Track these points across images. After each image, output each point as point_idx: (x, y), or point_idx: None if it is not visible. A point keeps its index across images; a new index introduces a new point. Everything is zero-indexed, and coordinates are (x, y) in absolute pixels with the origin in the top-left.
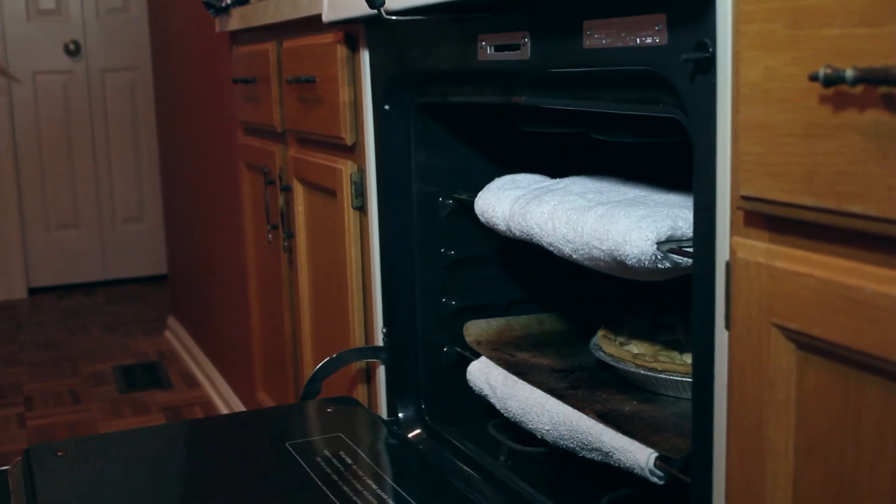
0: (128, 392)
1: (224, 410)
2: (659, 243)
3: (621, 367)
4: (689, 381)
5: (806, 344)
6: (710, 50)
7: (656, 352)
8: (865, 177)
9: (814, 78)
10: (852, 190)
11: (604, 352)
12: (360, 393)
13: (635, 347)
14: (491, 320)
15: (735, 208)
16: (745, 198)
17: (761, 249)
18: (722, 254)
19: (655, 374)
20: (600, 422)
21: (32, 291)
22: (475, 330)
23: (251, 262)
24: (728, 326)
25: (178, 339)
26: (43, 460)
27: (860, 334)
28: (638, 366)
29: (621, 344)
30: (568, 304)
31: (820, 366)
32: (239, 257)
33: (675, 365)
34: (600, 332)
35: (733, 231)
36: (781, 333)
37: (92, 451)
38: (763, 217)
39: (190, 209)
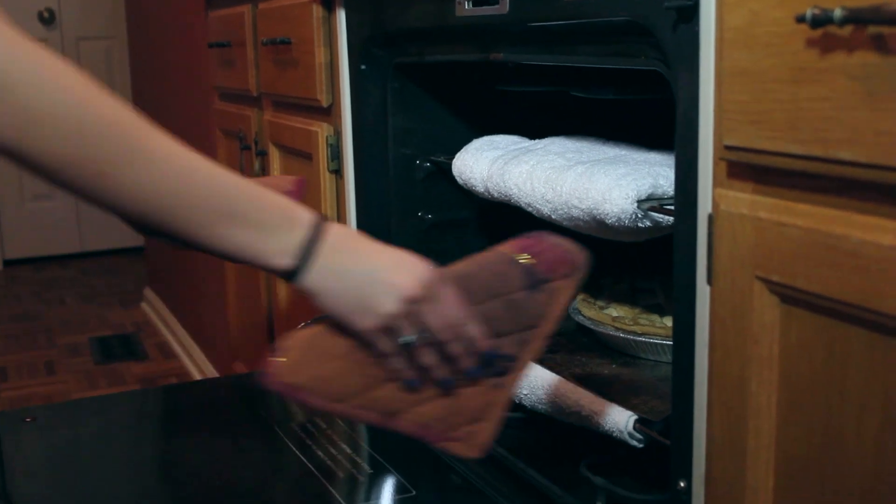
0: (103, 363)
1: None
2: (639, 201)
3: (601, 330)
4: (668, 344)
5: (790, 297)
6: None
7: (636, 315)
8: (853, 122)
9: (801, 19)
10: (840, 136)
11: (583, 315)
12: None
13: (615, 311)
14: None
15: (718, 159)
16: (728, 148)
17: (745, 201)
18: (704, 207)
19: (635, 338)
20: (578, 385)
21: (8, 263)
22: None
23: None
24: (710, 281)
25: (155, 311)
26: (11, 426)
27: (845, 285)
28: (617, 329)
29: (601, 308)
30: None
31: (804, 319)
32: None
33: (655, 328)
34: (579, 296)
35: (716, 183)
36: (765, 286)
37: (62, 418)
38: (747, 167)
39: None
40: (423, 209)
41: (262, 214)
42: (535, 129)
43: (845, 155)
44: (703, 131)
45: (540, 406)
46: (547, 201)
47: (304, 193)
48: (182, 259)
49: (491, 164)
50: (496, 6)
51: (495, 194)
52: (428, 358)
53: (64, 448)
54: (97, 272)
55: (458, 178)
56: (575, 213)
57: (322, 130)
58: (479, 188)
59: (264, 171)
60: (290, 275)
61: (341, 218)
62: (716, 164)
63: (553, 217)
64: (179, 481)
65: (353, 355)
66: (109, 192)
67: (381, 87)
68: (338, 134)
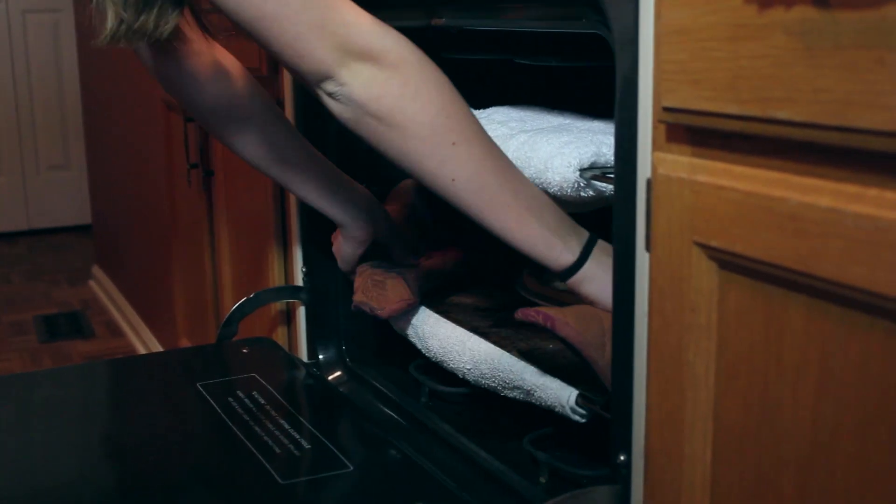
0: (49, 342)
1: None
2: (582, 170)
3: (543, 305)
4: None
5: (728, 262)
6: None
7: None
8: (791, 79)
9: None
10: (778, 94)
11: (528, 289)
12: (280, 336)
13: (561, 284)
14: None
15: (657, 122)
16: (666, 109)
17: (683, 164)
18: (643, 172)
19: None
20: (522, 359)
21: None
22: None
23: (172, 205)
24: (648, 248)
25: (103, 289)
26: None
27: (784, 249)
28: (562, 303)
29: (546, 281)
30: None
31: (742, 286)
32: (161, 202)
33: None
34: (526, 270)
35: (655, 147)
36: (703, 252)
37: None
38: (685, 130)
39: (113, 155)
40: (367, 181)
41: (560, 222)
42: (479, 98)
43: (783, 114)
44: (643, 94)
45: (484, 381)
46: None
47: None
48: (130, 237)
49: None
50: None
51: None
52: None
53: (2, 422)
54: (44, 249)
55: None
56: None
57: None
58: None
59: (207, 145)
60: (568, 269)
61: (285, 191)
62: (655, 127)
63: None
64: (116, 456)
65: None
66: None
67: None
68: (280, 103)
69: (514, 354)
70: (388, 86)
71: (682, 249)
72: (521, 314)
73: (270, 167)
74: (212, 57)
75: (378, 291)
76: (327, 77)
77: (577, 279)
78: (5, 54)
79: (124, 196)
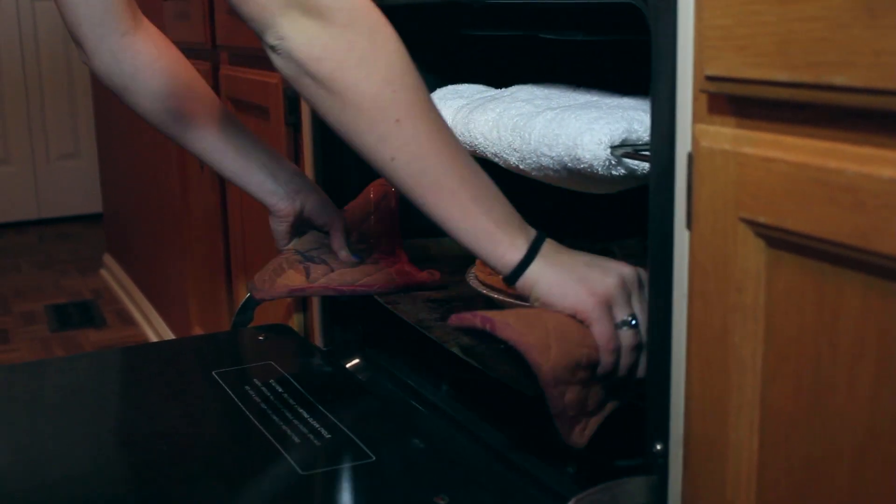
0: (60, 331)
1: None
2: (613, 147)
3: (494, 296)
4: None
5: (777, 239)
6: None
7: None
8: (849, 42)
9: None
10: (834, 59)
11: (478, 280)
12: (296, 323)
13: None
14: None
15: (698, 93)
16: (709, 78)
17: (727, 135)
18: (683, 145)
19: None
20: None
21: None
22: None
23: (184, 192)
24: (689, 226)
25: (115, 278)
26: None
27: (840, 224)
28: (511, 296)
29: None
30: None
31: (792, 264)
32: (173, 190)
33: None
34: (478, 260)
35: (696, 119)
36: (750, 229)
37: (7, 381)
38: (730, 99)
39: (124, 143)
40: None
41: (508, 217)
42: (501, 76)
43: (839, 80)
44: (682, 64)
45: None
46: (514, 150)
47: None
48: (142, 225)
49: (455, 113)
50: None
51: None
52: (630, 341)
53: (8, 412)
54: (55, 239)
55: None
56: (544, 161)
57: (279, 82)
58: None
59: None
60: (514, 269)
61: None
62: (696, 98)
63: (521, 167)
64: (130, 445)
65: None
66: (378, 158)
67: None
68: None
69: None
70: (332, 48)
71: (726, 226)
72: (456, 319)
73: (169, 124)
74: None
75: (272, 274)
76: (269, 27)
77: (524, 281)
78: (15, 43)
79: (135, 184)
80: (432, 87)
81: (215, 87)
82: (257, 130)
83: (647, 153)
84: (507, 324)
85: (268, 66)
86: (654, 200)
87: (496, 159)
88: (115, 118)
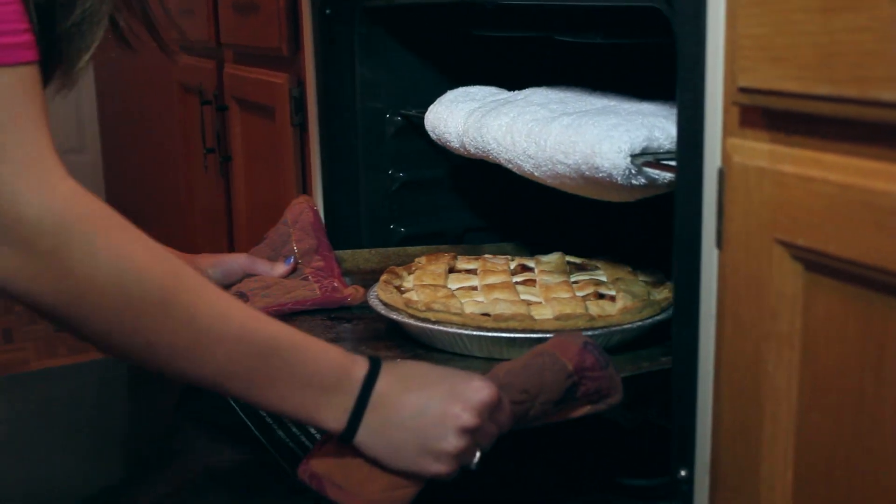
0: (64, 330)
1: None
2: (633, 155)
3: (391, 316)
4: (465, 335)
5: (816, 264)
6: None
7: (438, 299)
8: None
9: None
10: (882, 73)
11: (378, 299)
12: None
13: (416, 294)
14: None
15: (729, 104)
16: (743, 90)
17: (762, 152)
18: (712, 160)
19: (424, 325)
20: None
21: None
22: None
23: (189, 190)
24: (720, 245)
25: None
26: None
27: (886, 250)
28: (410, 315)
29: (405, 289)
30: (530, 232)
31: (833, 290)
32: (177, 186)
33: (450, 315)
34: (385, 275)
35: (727, 132)
36: (787, 252)
37: (9, 390)
38: (764, 113)
39: (129, 138)
40: (393, 167)
41: (316, 377)
42: (515, 78)
43: (887, 95)
44: (712, 72)
45: None
46: (529, 157)
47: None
48: (146, 221)
49: (467, 116)
50: None
51: (472, 150)
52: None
53: (13, 422)
54: None
55: (430, 133)
56: (560, 169)
57: (285, 82)
58: (455, 143)
59: (224, 128)
60: (343, 437)
61: (307, 177)
62: (726, 109)
63: (536, 174)
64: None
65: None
66: (159, 361)
67: (347, 33)
68: (301, 85)
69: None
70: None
71: (761, 248)
72: (301, 472)
73: None
74: None
75: None
76: None
77: (361, 449)
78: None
79: (139, 180)
80: (443, 88)
81: (219, 86)
82: (262, 130)
83: (669, 163)
84: (334, 485)
85: (273, 65)
86: (681, 216)
87: (510, 165)
88: (119, 113)
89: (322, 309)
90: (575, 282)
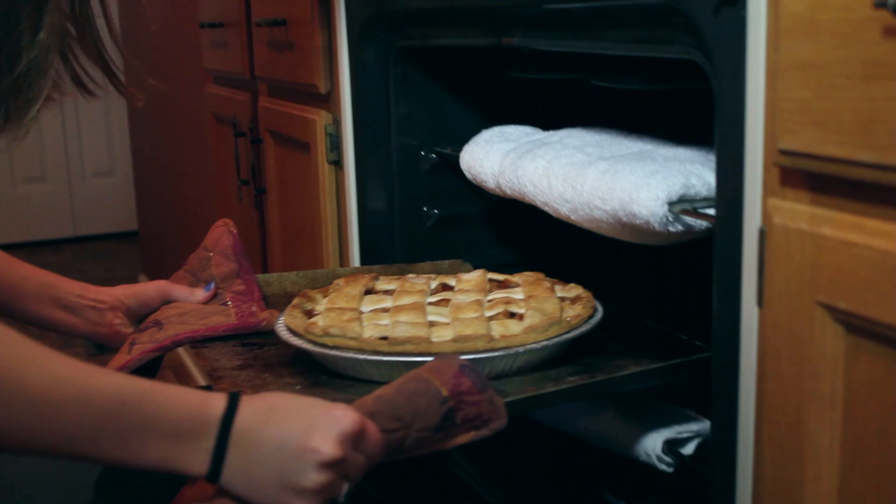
0: (97, 355)
1: (195, 371)
2: (671, 203)
3: (294, 343)
4: (362, 359)
5: (858, 327)
6: None
7: (339, 323)
8: None
9: (881, 4)
10: None
11: (283, 323)
12: None
13: (322, 319)
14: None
15: (770, 164)
16: (784, 152)
17: (804, 214)
18: (752, 218)
19: (322, 350)
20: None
21: None
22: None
23: (222, 212)
24: (760, 303)
25: None
26: None
27: None
28: (310, 340)
29: (310, 313)
30: (564, 270)
31: (875, 353)
32: (210, 214)
33: (347, 340)
34: (297, 299)
35: (767, 192)
36: (828, 314)
37: None
38: (806, 175)
39: (160, 162)
40: (428, 203)
41: (170, 426)
42: (550, 118)
43: None
44: (751, 131)
45: (559, 425)
46: (566, 201)
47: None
48: (177, 245)
49: (503, 158)
50: None
51: (508, 191)
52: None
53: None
54: (90, 257)
55: (466, 173)
56: (597, 214)
57: (320, 119)
58: (490, 184)
59: (259, 161)
60: (209, 479)
61: (342, 213)
62: (767, 169)
63: (572, 218)
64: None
65: None
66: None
67: (383, 72)
68: (337, 123)
69: None
70: None
71: (802, 309)
72: None
73: None
74: None
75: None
76: None
77: (228, 490)
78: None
79: (171, 204)
80: (478, 125)
81: (254, 119)
82: (297, 163)
83: (707, 212)
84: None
85: (308, 101)
86: (721, 271)
87: (546, 208)
88: (151, 137)
89: (236, 335)
90: (490, 300)
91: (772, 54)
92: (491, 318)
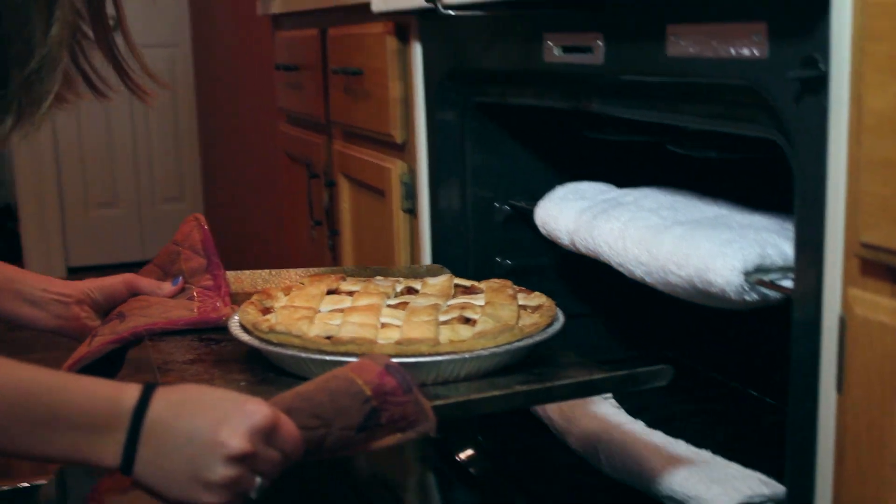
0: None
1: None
2: (747, 273)
3: (241, 338)
4: (304, 357)
5: None
6: (822, 68)
7: (288, 321)
8: None
9: None
10: None
11: (239, 326)
12: None
13: (274, 317)
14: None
15: (851, 255)
16: (865, 245)
17: (885, 307)
18: (832, 305)
19: (266, 347)
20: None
21: (71, 271)
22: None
23: (289, 241)
24: (840, 390)
25: None
26: (78, 480)
27: None
28: (255, 336)
29: (265, 310)
30: (635, 325)
31: None
32: (279, 249)
33: (291, 337)
34: (256, 295)
35: (847, 281)
36: None
37: None
38: (887, 269)
39: (230, 191)
40: (501, 254)
41: (82, 417)
42: (624, 176)
43: None
44: (832, 221)
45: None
46: (641, 263)
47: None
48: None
49: (578, 216)
50: (590, 55)
51: (582, 249)
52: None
53: None
54: None
55: (541, 229)
56: (672, 279)
57: (396, 168)
58: (565, 241)
59: (332, 203)
60: (122, 471)
61: (415, 259)
62: (848, 258)
63: (647, 280)
64: None
65: None
66: None
67: (458, 125)
68: (412, 172)
69: None
70: None
71: (883, 398)
72: (89, 501)
73: None
74: None
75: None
76: None
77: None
78: (122, 88)
79: (238, 229)
80: (552, 179)
81: (328, 162)
82: (372, 208)
83: (783, 284)
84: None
85: (383, 148)
86: (799, 356)
87: (620, 269)
88: (220, 163)
89: (196, 329)
90: (449, 305)
91: (855, 149)
92: (444, 323)
